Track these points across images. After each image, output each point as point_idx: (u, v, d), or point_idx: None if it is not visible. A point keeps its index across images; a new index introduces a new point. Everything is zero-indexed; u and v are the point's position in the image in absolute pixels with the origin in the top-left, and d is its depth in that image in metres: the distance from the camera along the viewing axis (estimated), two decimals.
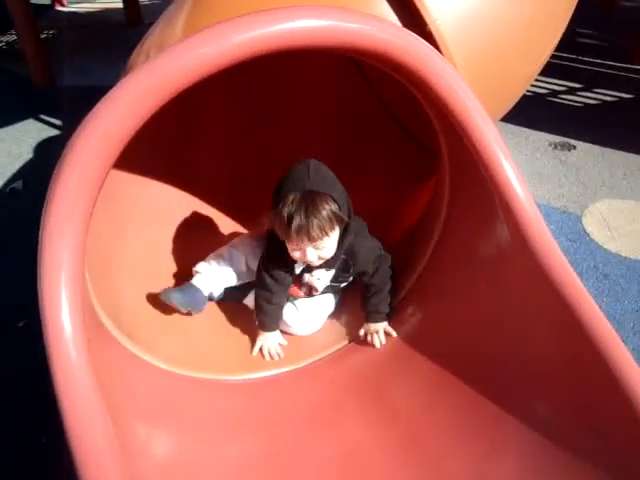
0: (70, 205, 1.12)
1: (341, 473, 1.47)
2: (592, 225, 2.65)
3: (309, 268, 1.74)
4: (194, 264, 1.90)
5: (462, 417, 1.54)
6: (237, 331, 1.87)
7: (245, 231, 2.17)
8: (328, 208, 1.51)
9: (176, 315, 1.78)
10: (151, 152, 1.88)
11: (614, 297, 2.27)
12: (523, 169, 3.03)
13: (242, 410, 1.61)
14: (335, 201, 1.53)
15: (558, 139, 3.38)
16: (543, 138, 3.40)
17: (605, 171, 3.08)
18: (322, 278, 1.78)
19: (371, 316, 1.79)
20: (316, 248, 1.57)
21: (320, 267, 1.72)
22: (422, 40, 1.42)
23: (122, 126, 1.12)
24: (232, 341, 1.78)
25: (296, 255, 1.60)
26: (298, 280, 1.78)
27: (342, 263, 1.74)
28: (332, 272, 1.77)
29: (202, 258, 1.91)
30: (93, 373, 1.14)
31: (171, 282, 1.90)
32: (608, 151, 3.24)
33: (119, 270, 1.72)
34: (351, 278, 1.81)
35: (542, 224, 1.49)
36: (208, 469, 1.46)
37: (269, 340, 1.79)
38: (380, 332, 1.78)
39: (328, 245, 1.59)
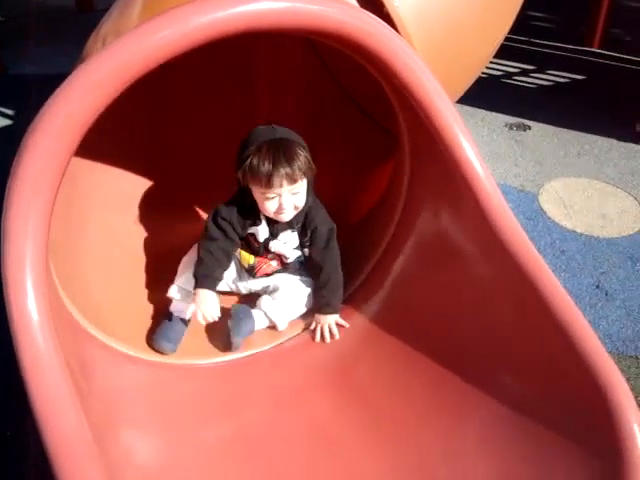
0: (33, 190, 1.10)
1: (311, 452, 1.50)
2: (548, 203, 2.72)
3: (273, 233, 1.73)
4: (156, 247, 1.90)
5: (427, 393, 1.58)
6: None
7: (206, 213, 2.16)
8: (302, 153, 1.57)
9: (142, 301, 1.78)
10: (108, 136, 1.85)
11: (571, 272, 2.34)
12: (480, 150, 3.06)
13: (211, 393, 1.62)
14: (304, 149, 1.60)
15: (513, 120, 3.45)
16: (499, 119, 3.46)
17: (559, 150, 3.16)
18: (288, 242, 1.77)
19: (322, 309, 1.78)
20: (292, 193, 1.59)
21: (284, 229, 1.73)
22: (382, 22, 1.43)
23: (85, 109, 1.11)
24: (199, 325, 1.77)
25: (271, 206, 1.61)
26: (265, 251, 1.77)
27: (300, 227, 1.75)
28: (295, 235, 1.76)
29: (164, 240, 1.90)
30: (62, 361, 1.13)
31: (134, 266, 1.88)
32: (562, 131, 3.33)
33: (82, 257, 1.70)
34: (308, 241, 1.78)
35: (502, 201, 1.53)
36: (179, 452, 1.46)
37: (205, 300, 1.66)
38: (332, 325, 1.77)
39: (302, 191, 1.62)
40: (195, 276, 1.67)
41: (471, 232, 1.59)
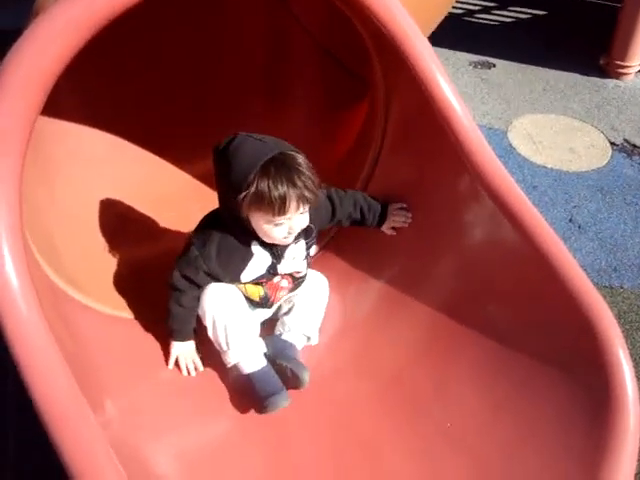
0: (2, 149, 1.05)
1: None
2: (517, 139, 2.72)
3: (277, 255, 1.50)
4: (126, 203, 1.87)
5: (417, 335, 1.61)
6: None
7: (175, 167, 2.11)
8: (305, 164, 1.34)
9: (115, 259, 1.74)
10: (73, 91, 1.78)
11: (544, 207, 2.36)
12: None
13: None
14: (299, 153, 1.37)
15: (477, 58, 3.42)
16: (463, 58, 3.42)
17: (525, 87, 3.14)
18: (296, 255, 1.54)
19: (380, 220, 1.69)
20: (301, 214, 1.38)
21: (286, 246, 1.50)
22: None
23: (51, 60, 1.05)
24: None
25: (280, 233, 1.39)
26: (272, 277, 1.54)
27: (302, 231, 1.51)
28: (302, 243, 1.54)
29: (134, 195, 1.88)
30: (47, 325, 1.10)
31: (104, 225, 1.83)
32: (527, 67, 3.31)
33: (52, 217, 1.63)
34: (315, 239, 1.60)
35: (481, 137, 1.52)
36: (168, 410, 1.46)
37: (183, 352, 1.55)
38: (397, 215, 1.69)
39: (307, 210, 1.41)
40: (169, 328, 1.53)
41: (449, 172, 1.58)
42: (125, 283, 1.69)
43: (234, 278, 1.50)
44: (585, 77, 3.22)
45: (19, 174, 1.10)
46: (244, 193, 1.29)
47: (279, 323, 1.64)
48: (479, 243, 1.58)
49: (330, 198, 1.62)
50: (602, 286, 2.06)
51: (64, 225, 1.69)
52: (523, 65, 3.33)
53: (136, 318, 1.62)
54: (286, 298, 1.65)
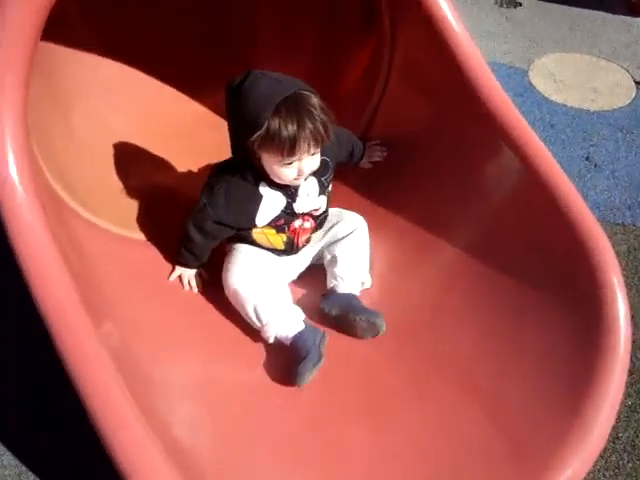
0: (7, 58, 1.09)
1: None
2: (538, 78, 2.67)
3: (290, 194, 1.49)
4: (141, 130, 1.92)
5: (413, 261, 1.66)
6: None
7: (189, 98, 2.13)
8: (319, 105, 1.33)
9: (130, 185, 1.78)
10: (90, 23, 1.81)
11: (560, 145, 2.33)
12: (470, 29, 2.97)
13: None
14: (315, 93, 1.35)
15: None
16: None
17: (551, 26, 3.06)
18: (310, 192, 1.53)
19: (358, 158, 1.79)
20: (312, 155, 1.39)
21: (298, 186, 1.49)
22: None
23: None
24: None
25: (290, 174, 1.39)
26: (291, 218, 1.53)
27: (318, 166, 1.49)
28: (314, 180, 1.53)
29: (142, 123, 1.91)
30: (50, 231, 1.15)
31: (119, 149, 1.87)
32: (554, 6, 3.21)
33: (67, 141, 1.69)
34: (332, 174, 1.59)
35: (480, 58, 1.52)
36: (175, 330, 1.50)
37: (186, 272, 1.61)
38: (374, 149, 1.80)
39: (319, 152, 1.42)
40: (183, 258, 1.57)
41: (451, 97, 1.58)
42: (137, 207, 1.74)
43: (249, 223, 1.50)
44: (614, 16, 3.12)
45: (25, 83, 1.14)
46: (256, 133, 1.29)
47: (329, 276, 1.63)
48: (484, 175, 1.59)
49: (336, 134, 1.59)
50: (614, 223, 2.04)
51: (78, 152, 1.75)
52: (551, 4, 3.22)
53: (147, 240, 1.67)
54: (323, 244, 1.65)
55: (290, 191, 1.48)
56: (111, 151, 1.83)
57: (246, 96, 1.31)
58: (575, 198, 1.39)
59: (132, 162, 1.85)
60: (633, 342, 1.65)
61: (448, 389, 1.44)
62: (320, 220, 1.61)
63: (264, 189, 1.46)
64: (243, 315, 1.50)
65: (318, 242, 1.66)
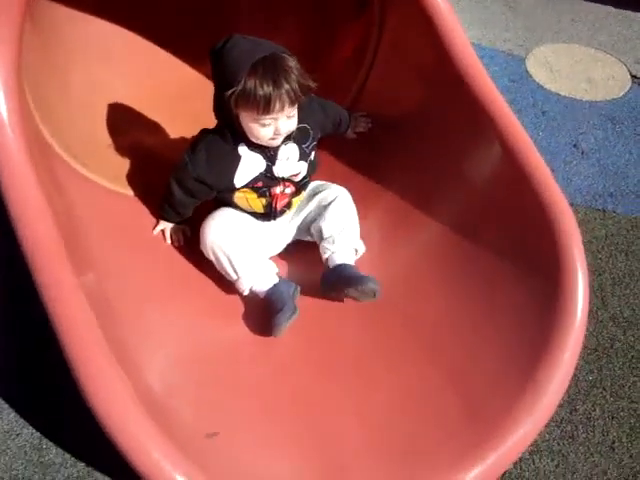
0: None
1: None
2: (535, 67, 2.70)
3: (269, 157, 1.52)
4: (134, 96, 1.94)
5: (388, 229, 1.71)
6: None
7: (185, 64, 2.17)
8: (298, 69, 1.37)
9: (123, 144, 1.83)
10: None
11: (549, 132, 2.37)
12: (472, 16, 3.02)
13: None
14: (297, 61, 1.39)
15: None
16: None
17: (553, 17, 3.08)
18: (290, 156, 1.55)
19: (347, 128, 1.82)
20: (288, 117, 1.41)
21: (278, 146, 1.51)
22: None
23: None
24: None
25: (266, 133, 1.42)
26: (270, 182, 1.56)
27: (297, 134, 1.54)
28: (293, 145, 1.55)
29: (138, 86, 1.95)
30: (36, 176, 1.20)
31: (117, 111, 1.91)
32: None
33: (65, 100, 1.74)
34: (314, 141, 1.61)
35: (465, 41, 1.56)
36: (155, 283, 1.57)
37: (169, 226, 1.68)
38: (359, 120, 1.84)
39: (296, 114, 1.44)
40: (166, 213, 1.64)
41: (435, 78, 1.63)
42: (126, 164, 1.81)
43: (228, 183, 1.53)
44: (618, 10, 3.14)
45: (19, 26, 1.20)
46: (232, 89, 1.33)
47: (323, 246, 1.64)
48: (464, 155, 1.64)
49: (321, 104, 1.66)
50: (595, 209, 2.08)
51: (72, 109, 1.80)
52: None
53: (135, 195, 1.73)
54: (306, 213, 1.68)
55: (269, 153, 1.51)
56: (105, 110, 1.87)
57: (226, 56, 1.35)
58: (546, 179, 1.43)
59: (125, 121, 1.91)
60: (600, 322, 1.73)
61: (414, 354, 1.50)
62: (300, 185, 1.64)
63: (243, 149, 1.49)
64: (218, 268, 1.55)
65: (301, 211, 1.70)
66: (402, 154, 1.79)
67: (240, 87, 1.32)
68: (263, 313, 1.53)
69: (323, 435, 1.32)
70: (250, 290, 1.55)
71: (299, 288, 1.55)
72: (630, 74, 2.70)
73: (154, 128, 1.97)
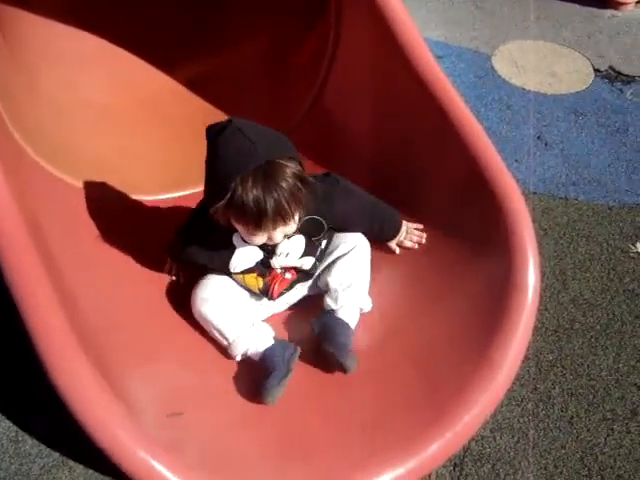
0: None
1: None
2: (501, 63, 2.77)
3: (267, 250, 1.44)
4: (109, 103, 1.98)
5: None
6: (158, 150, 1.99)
7: (159, 70, 2.22)
8: (294, 173, 1.24)
9: (98, 146, 1.88)
10: None
11: (514, 125, 2.43)
12: (440, 16, 3.09)
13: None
14: (294, 160, 1.26)
15: None
16: None
17: (519, 15, 3.15)
18: (292, 251, 1.45)
19: (391, 236, 1.62)
20: (286, 226, 1.31)
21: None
22: None
23: None
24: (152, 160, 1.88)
25: (258, 241, 1.34)
26: (268, 270, 1.48)
27: (307, 226, 1.43)
28: (297, 237, 1.45)
29: (118, 96, 1.99)
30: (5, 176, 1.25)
31: (90, 114, 1.97)
32: None
33: (36, 104, 1.79)
34: (326, 233, 1.51)
35: (419, 38, 1.62)
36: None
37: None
38: (411, 234, 1.62)
39: (295, 218, 1.32)
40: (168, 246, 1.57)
41: (394, 72, 1.69)
42: (98, 165, 1.84)
43: (224, 268, 1.46)
44: (583, 7, 3.21)
45: None
46: (221, 202, 1.23)
47: (326, 301, 1.53)
48: (420, 146, 1.70)
49: (347, 192, 1.53)
50: (558, 197, 2.14)
51: (41, 108, 1.84)
52: None
53: (104, 196, 1.77)
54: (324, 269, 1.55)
55: (267, 248, 1.42)
56: (74, 110, 1.93)
57: (218, 154, 1.25)
58: (494, 161, 1.49)
59: (95, 122, 1.96)
60: (561, 304, 1.79)
61: (378, 337, 1.55)
62: (306, 276, 1.54)
63: (237, 240, 1.42)
64: (211, 335, 1.48)
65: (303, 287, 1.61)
66: (364, 150, 1.84)
67: (227, 200, 1.22)
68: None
69: (282, 412, 1.36)
70: (243, 355, 1.47)
71: (299, 349, 1.43)
72: (593, 68, 2.77)
73: (125, 128, 2.02)
